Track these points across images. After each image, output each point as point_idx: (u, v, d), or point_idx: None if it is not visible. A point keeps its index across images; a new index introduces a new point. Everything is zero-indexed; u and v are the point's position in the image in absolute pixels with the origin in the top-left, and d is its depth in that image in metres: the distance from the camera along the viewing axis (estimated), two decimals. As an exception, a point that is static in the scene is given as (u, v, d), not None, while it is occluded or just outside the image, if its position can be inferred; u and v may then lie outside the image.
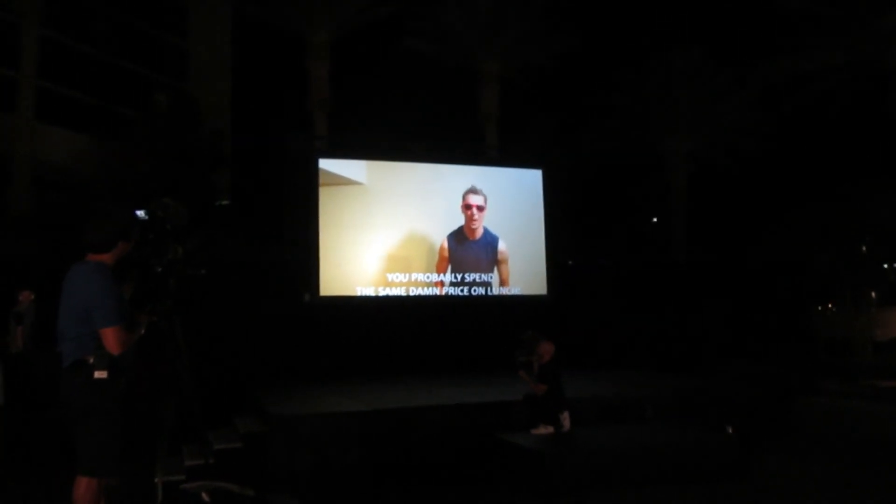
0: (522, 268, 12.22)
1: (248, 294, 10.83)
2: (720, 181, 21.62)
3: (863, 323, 15.98)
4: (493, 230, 12.04)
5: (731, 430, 7.10)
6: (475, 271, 11.86)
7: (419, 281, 11.63)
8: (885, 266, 17.64)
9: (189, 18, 22.82)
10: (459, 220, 11.93)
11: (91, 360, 3.77)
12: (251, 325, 10.48)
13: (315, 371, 10.40)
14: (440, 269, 11.69)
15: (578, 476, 6.34)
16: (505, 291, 12.03)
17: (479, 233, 11.92)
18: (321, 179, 11.41)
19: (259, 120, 21.28)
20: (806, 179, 19.72)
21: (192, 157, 14.52)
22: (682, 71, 20.46)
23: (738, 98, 20.20)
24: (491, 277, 11.94)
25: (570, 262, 14.24)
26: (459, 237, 11.87)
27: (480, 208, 11.92)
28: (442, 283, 11.70)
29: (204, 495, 4.17)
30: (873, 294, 16.64)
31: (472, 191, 11.98)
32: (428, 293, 11.66)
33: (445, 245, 11.78)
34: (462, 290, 11.80)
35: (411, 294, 11.56)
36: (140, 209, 4.09)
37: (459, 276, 11.79)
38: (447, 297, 11.76)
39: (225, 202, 16.86)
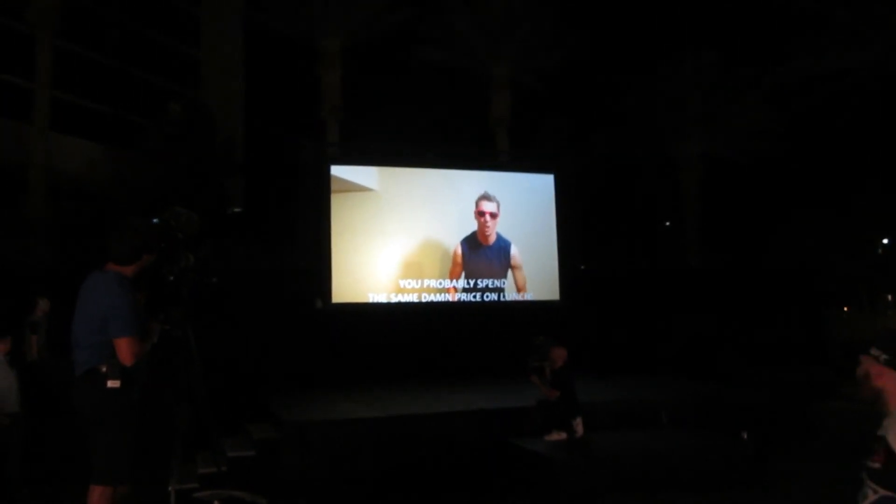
0: (535, 273, 12.17)
1: (261, 301, 10.85)
2: (733, 184, 21.49)
3: (880, 325, 15.82)
4: (506, 235, 12.01)
5: (745, 436, 7.03)
6: (488, 277, 11.84)
7: (431, 287, 11.61)
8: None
9: (201, 27, 22.98)
10: (472, 226, 11.91)
11: (104, 369, 3.79)
12: (263, 332, 10.50)
13: (327, 378, 10.40)
14: (454, 275, 11.67)
15: (592, 482, 6.30)
16: (517, 297, 11.99)
17: (493, 239, 11.92)
18: (333, 186, 11.42)
19: (271, 127, 21.38)
20: (820, 181, 19.54)
21: (206, 166, 14.60)
22: (695, 73, 20.36)
23: (750, 100, 20.06)
24: (504, 283, 11.91)
25: (582, 267, 14.17)
26: (473, 243, 11.86)
27: (493, 215, 11.89)
28: (455, 290, 11.68)
29: None
30: (889, 297, 16.48)
31: (486, 197, 11.96)
32: (440, 299, 11.64)
33: (459, 251, 11.76)
34: (475, 297, 11.77)
35: (423, 300, 11.54)
36: (153, 218, 4.13)
37: (472, 283, 11.76)
38: (459, 304, 11.73)
39: (237, 210, 16.93)
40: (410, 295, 11.46)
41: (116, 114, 18.57)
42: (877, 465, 2.33)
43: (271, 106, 22.39)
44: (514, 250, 11.97)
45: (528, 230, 12.26)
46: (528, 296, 12.07)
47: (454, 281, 11.68)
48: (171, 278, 4.15)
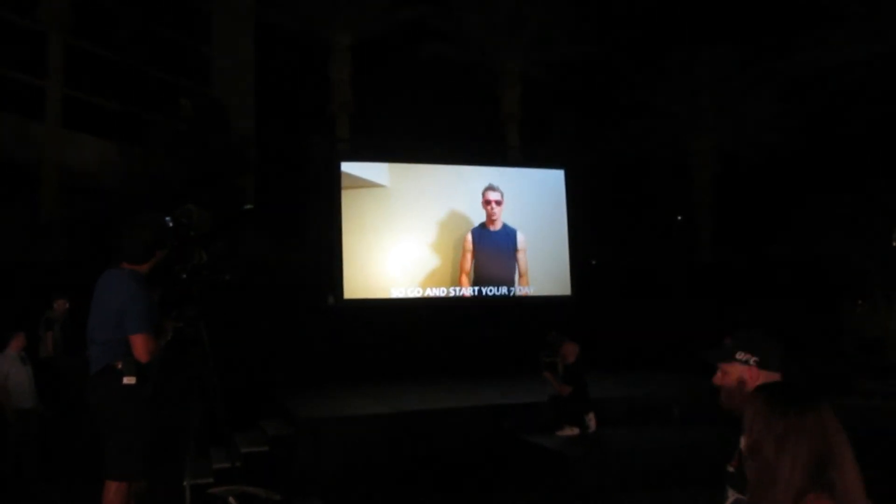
0: (546, 268, 12.18)
1: (273, 297, 10.89)
2: (746, 178, 21.32)
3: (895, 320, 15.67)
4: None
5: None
6: (497, 261, 11.90)
7: (442, 282, 11.63)
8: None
9: (212, 24, 23.01)
10: (481, 220, 11.99)
11: (120, 366, 3.81)
12: (276, 329, 10.54)
13: (340, 373, 10.43)
14: (464, 262, 11.77)
15: (604, 477, 6.30)
16: (528, 291, 12.00)
17: (499, 224, 12.06)
18: (343, 182, 11.45)
19: (282, 124, 21.39)
20: (834, 174, 19.35)
21: (219, 163, 14.62)
22: (708, 67, 20.20)
23: (763, 93, 19.89)
24: (513, 270, 11.95)
25: (593, 263, 14.12)
26: (482, 229, 12.04)
27: (499, 202, 12.14)
28: (467, 280, 11.73)
29: (231, 500, 4.20)
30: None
31: (490, 188, 12.16)
32: (451, 294, 11.66)
33: (469, 238, 11.88)
34: (487, 291, 11.80)
35: (434, 295, 11.56)
36: (165, 216, 4.14)
37: (483, 277, 11.78)
38: (471, 299, 11.75)
39: (249, 206, 16.96)
40: (421, 290, 11.48)
41: (129, 111, 18.62)
42: (731, 469, 2.28)
43: (282, 102, 22.40)
44: (520, 235, 12.06)
45: (539, 225, 12.28)
46: (540, 291, 12.08)
47: (465, 275, 11.73)
48: (184, 276, 4.17)
